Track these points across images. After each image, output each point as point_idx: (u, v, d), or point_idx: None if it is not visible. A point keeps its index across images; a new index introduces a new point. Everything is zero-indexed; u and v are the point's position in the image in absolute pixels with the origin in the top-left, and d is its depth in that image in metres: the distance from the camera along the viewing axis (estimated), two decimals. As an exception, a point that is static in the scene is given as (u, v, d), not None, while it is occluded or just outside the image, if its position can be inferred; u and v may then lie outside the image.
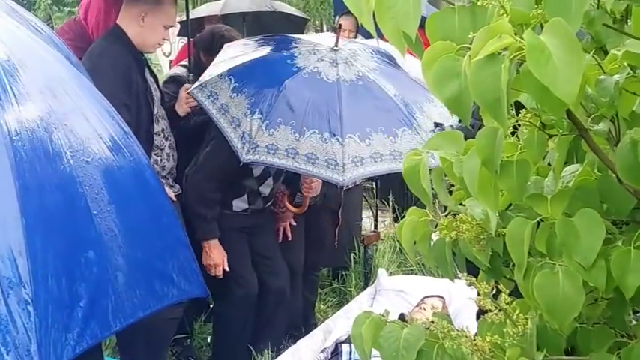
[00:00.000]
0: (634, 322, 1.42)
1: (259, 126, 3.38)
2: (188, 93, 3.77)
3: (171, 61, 7.32)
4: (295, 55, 3.68)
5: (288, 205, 4.18)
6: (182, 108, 3.87)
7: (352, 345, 3.59)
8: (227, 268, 3.80)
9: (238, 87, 3.55)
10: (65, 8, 18.57)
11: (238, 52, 3.85)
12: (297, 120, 3.36)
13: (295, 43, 3.83)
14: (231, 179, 3.72)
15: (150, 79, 3.68)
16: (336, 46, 3.73)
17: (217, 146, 3.65)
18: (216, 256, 3.76)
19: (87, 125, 2.05)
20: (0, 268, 1.74)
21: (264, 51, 3.80)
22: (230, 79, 3.61)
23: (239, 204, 3.91)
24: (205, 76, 3.70)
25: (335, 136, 3.29)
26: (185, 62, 4.31)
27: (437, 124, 3.43)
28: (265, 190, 3.92)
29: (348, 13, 5.85)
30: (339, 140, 3.27)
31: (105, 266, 1.94)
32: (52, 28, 3.38)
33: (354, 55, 3.75)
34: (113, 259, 1.96)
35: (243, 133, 3.40)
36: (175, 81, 4.17)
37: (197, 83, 3.69)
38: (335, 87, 3.48)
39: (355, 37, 6.10)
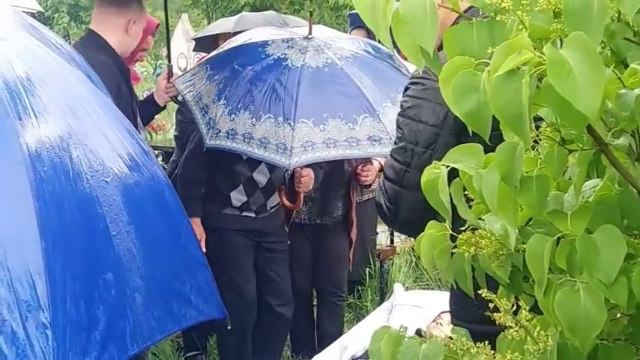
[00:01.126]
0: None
1: (223, 112, 3.44)
2: (169, 82, 3.78)
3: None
4: (269, 43, 3.70)
5: (285, 200, 4.14)
6: (162, 98, 3.87)
7: (368, 361, 3.58)
8: (203, 249, 3.69)
9: (212, 74, 3.61)
10: (82, 25, 18.73)
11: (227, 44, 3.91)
12: (256, 105, 3.40)
13: (272, 32, 3.87)
14: (218, 160, 3.66)
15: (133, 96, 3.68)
16: (310, 34, 3.73)
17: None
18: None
19: (106, 144, 2.05)
20: (18, 292, 1.72)
21: (243, 40, 3.82)
22: (207, 67, 3.67)
23: (237, 196, 3.85)
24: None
25: (287, 120, 3.30)
26: None
27: None
28: (261, 178, 3.83)
29: (359, 27, 5.87)
30: (290, 124, 3.28)
31: (123, 288, 1.93)
32: (70, 44, 3.42)
33: (328, 43, 3.73)
34: (131, 281, 1.94)
35: (210, 119, 3.45)
36: None
37: (181, 73, 3.74)
38: (297, 73, 3.48)
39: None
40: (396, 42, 1.21)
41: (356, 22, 6.10)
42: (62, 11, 17.95)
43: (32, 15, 3.71)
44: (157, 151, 5.54)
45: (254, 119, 3.36)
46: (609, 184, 1.29)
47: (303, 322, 4.51)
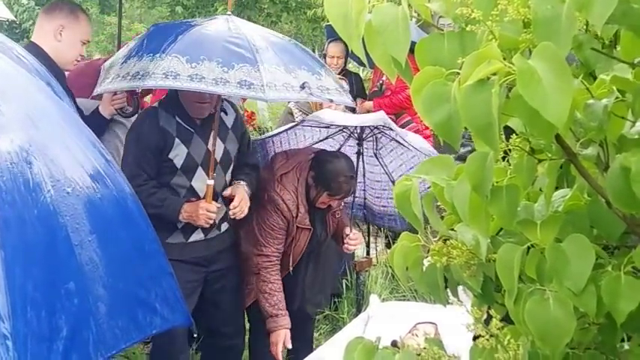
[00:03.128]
0: (625, 347, 1.41)
1: (118, 62, 3.48)
2: (116, 93, 3.77)
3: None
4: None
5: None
6: (108, 110, 3.82)
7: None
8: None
9: (136, 53, 3.60)
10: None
11: None
12: (143, 49, 3.41)
13: None
14: (153, 173, 3.49)
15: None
16: (230, 12, 3.73)
17: (126, 146, 3.60)
18: (193, 209, 3.51)
19: (68, 154, 2.04)
20: None
21: None
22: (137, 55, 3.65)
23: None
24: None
25: (161, 54, 3.28)
26: None
27: (303, 85, 3.40)
28: (199, 185, 3.55)
29: (337, 39, 5.90)
30: (161, 57, 3.26)
31: (86, 297, 1.91)
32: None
33: (247, 25, 3.71)
34: (94, 290, 1.93)
35: (105, 72, 3.50)
36: None
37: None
38: (193, 27, 3.48)
39: (345, 64, 6.14)
40: (369, 52, 1.22)
41: (333, 35, 6.13)
42: (38, 23, 17.90)
43: (6, 23, 3.74)
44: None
45: (137, 60, 3.36)
46: (578, 194, 1.31)
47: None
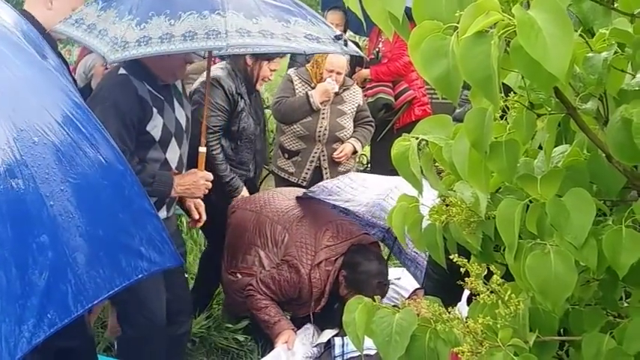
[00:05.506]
0: (625, 305, 1.42)
1: (129, 25, 3.09)
2: (106, 68, 3.47)
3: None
4: None
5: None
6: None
7: (344, 338, 3.57)
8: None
9: (105, 6, 3.27)
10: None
11: None
12: (172, 8, 3.08)
13: None
14: (133, 147, 3.18)
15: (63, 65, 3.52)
16: None
17: (104, 119, 2.95)
18: (189, 181, 3.33)
19: (34, 100, 1.94)
20: None
21: None
22: (98, 2, 3.32)
23: None
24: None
25: (215, 11, 3.05)
26: (223, 64, 4.16)
27: (337, 37, 3.35)
28: (172, 156, 3.31)
29: (335, 7, 5.85)
30: (220, 14, 3.04)
31: (61, 249, 1.84)
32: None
33: None
34: (71, 241, 1.86)
35: (111, 37, 3.10)
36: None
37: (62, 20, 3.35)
38: None
39: (344, 32, 6.10)
40: (365, 8, 1.21)
41: (328, 4, 6.08)
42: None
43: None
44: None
45: (172, 20, 3.02)
46: (578, 149, 1.30)
47: None
